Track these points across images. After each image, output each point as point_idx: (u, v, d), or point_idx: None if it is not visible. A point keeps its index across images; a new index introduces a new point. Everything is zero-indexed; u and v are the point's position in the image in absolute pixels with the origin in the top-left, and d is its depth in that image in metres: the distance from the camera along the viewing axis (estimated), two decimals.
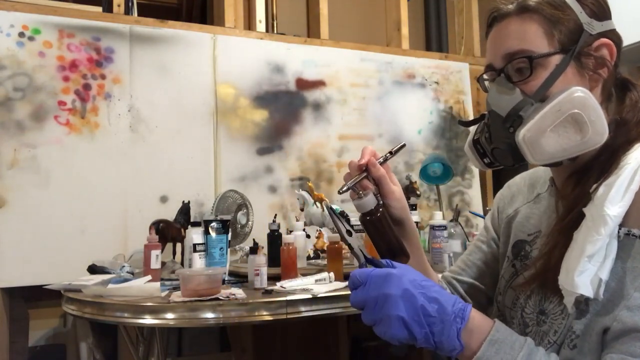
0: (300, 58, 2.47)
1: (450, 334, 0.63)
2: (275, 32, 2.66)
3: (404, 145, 0.86)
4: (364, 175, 0.78)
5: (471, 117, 2.83)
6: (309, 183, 1.99)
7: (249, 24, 2.59)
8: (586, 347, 0.64)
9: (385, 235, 0.77)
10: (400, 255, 0.78)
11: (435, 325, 0.63)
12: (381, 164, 0.80)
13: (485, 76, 0.81)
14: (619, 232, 0.64)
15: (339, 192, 0.77)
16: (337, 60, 2.55)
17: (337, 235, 1.60)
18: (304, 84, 2.46)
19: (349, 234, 0.75)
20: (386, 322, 0.63)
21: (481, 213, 2.61)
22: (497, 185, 2.90)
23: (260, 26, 2.54)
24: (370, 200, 0.76)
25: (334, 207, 1.86)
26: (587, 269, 0.62)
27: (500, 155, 0.76)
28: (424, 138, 2.69)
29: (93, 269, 1.64)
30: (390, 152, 0.82)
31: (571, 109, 0.67)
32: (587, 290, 0.62)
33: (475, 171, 2.79)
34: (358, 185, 0.77)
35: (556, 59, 0.71)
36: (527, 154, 0.70)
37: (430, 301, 0.63)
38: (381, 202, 0.79)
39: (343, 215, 1.81)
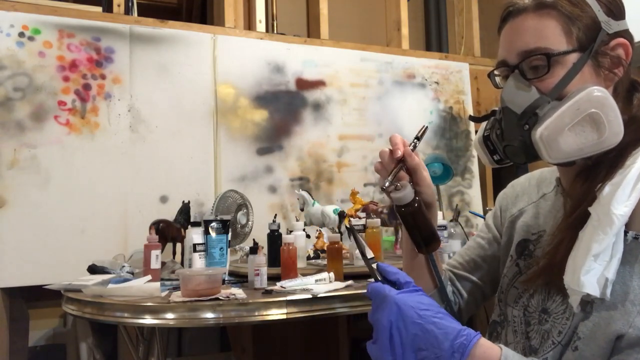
0: (300, 58, 2.47)
1: None
2: (275, 32, 2.66)
3: (426, 128, 0.85)
4: (401, 166, 0.78)
5: None
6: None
7: (249, 24, 2.59)
8: (588, 351, 0.63)
9: (422, 224, 0.78)
10: (434, 241, 0.80)
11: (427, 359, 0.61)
12: (412, 151, 0.80)
13: (496, 72, 0.80)
14: (626, 235, 0.63)
15: (382, 189, 0.76)
16: (337, 60, 2.55)
17: (337, 235, 1.61)
18: (304, 84, 2.46)
19: (371, 259, 0.74)
20: (378, 345, 0.63)
21: (481, 213, 2.60)
22: (497, 186, 2.90)
23: (260, 26, 2.54)
24: (409, 193, 0.77)
25: (335, 207, 1.87)
26: (593, 268, 0.62)
27: (513, 152, 0.75)
28: (424, 138, 2.66)
29: (93, 269, 1.64)
30: (417, 138, 0.82)
31: (590, 108, 0.67)
32: (594, 290, 0.61)
33: (476, 171, 2.79)
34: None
35: (574, 57, 0.70)
36: (543, 152, 0.69)
37: (425, 333, 0.61)
38: (414, 190, 0.79)
39: (343, 216, 1.82)
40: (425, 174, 0.81)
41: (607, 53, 0.72)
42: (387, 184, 0.75)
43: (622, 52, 0.72)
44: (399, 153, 0.77)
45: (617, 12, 0.73)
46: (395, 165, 0.77)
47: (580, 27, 0.71)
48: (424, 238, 0.80)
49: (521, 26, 0.74)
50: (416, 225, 0.78)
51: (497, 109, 0.78)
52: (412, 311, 0.63)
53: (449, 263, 0.99)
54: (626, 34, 0.73)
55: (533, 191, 0.90)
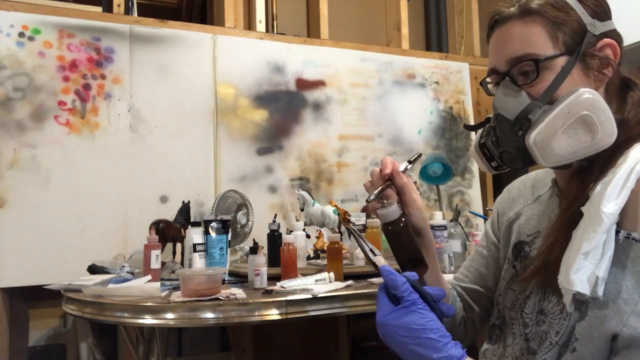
0: (300, 58, 2.47)
1: None
2: (275, 32, 2.66)
3: (420, 155, 0.87)
4: (388, 184, 0.79)
5: (471, 117, 2.83)
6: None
7: (249, 24, 2.59)
8: (586, 352, 0.63)
9: (407, 245, 0.77)
10: (421, 266, 0.78)
11: None
12: (403, 172, 0.81)
13: (488, 80, 0.80)
14: (617, 234, 0.63)
15: (367, 202, 0.77)
16: (337, 60, 2.55)
17: (337, 235, 1.61)
18: (304, 84, 2.46)
19: (373, 253, 0.76)
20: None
21: (481, 213, 2.60)
22: (497, 185, 2.90)
23: (260, 26, 2.54)
24: (394, 210, 0.77)
25: (335, 208, 1.87)
26: (583, 267, 0.62)
27: (509, 158, 0.76)
28: (424, 138, 2.69)
29: (93, 269, 1.64)
30: (409, 162, 0.83)
31: (581, 111, 0.67)
32: (584, 288, 0.62)
33: (475, 171, 2.79)
34: (382, 194, 0.78)
35: (562, 61, 0.71)
36: (538, 156, 0.70)
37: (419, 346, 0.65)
38: (402, 211, 0.79)
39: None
40: (416, 197, 0.81)
41: (595, 54, 0.72)
42: (371, 197, 0.77)
43: (610, 52, 0.73)
44: (387, 170, 0.79)
45: (601, 13, 0.73)
46: (383, 183, 0.78)
47: (566, 31, 0.72)
48: (410, 260, 0.78)
49: (508, 34, 0.75)
50: (401, 245, 0.77)
51: (491, 116, 0.79)
52: (396, 337, 0.66)
53: (456, 277, 0.99)
54: (613, 33, 0.74)
55: (528, 193, 0.90)
